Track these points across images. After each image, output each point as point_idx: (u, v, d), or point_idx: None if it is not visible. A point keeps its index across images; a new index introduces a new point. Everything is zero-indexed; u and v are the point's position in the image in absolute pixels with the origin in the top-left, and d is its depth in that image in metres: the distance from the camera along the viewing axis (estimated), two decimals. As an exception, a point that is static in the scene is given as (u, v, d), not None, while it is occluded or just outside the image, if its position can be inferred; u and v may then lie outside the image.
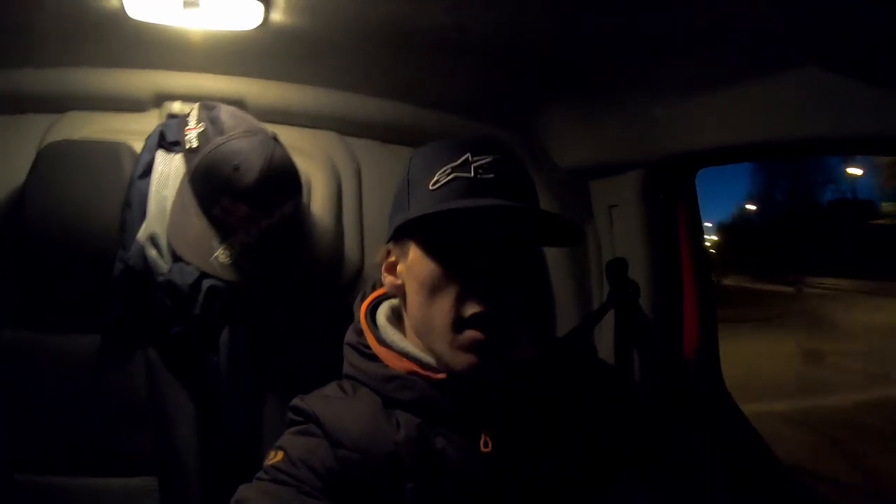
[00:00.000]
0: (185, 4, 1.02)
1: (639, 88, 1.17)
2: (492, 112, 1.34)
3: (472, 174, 0.74)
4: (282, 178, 1.11)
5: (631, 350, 1.32)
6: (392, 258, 0.81)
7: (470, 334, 0.73)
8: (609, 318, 1.33)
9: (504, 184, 0.75)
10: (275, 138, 1.12)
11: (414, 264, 0.77)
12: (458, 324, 0.73)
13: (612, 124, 1.28)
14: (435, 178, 0.75)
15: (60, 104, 1.22)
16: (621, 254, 1.34)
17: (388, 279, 0.82)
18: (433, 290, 0.74)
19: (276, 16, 1.05)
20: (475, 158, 0.75)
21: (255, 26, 1.06)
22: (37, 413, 1.07)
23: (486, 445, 0.76)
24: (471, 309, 0.73)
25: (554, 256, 1.40)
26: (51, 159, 1.11)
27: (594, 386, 0.86)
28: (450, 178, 0.74)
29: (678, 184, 1.32)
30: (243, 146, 1.08)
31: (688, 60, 1.03)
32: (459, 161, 0.75)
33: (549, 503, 0.78)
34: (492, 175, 0.75)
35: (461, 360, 0.74)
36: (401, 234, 0.78)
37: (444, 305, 0.74)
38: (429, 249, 0.75)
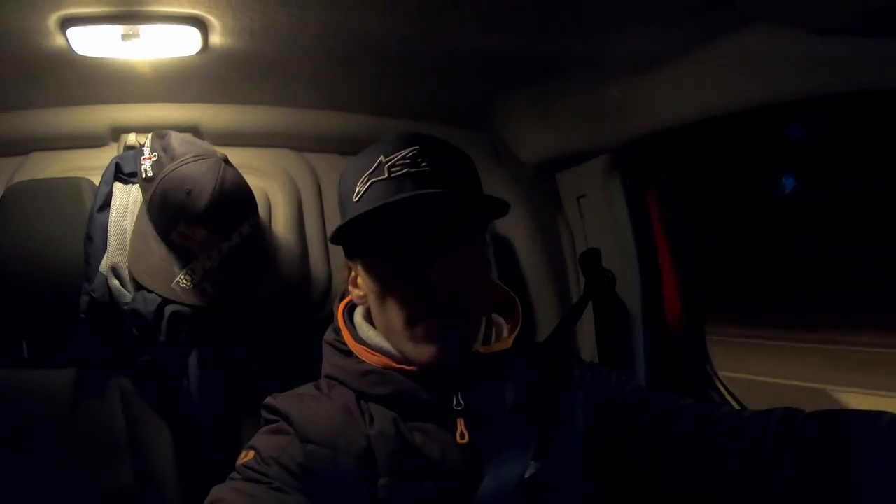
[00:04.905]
0: (124, 37, 1.04)
1: (589, 72, 1.16)
2: (448, 114, 1.33)
3: (386, 175, 0.75)
4: (235, 199, 1.12)
5: (613, 341, 1.30)
6: (353, 273, 0.84)
7: (423, 325, 0.75)
8: (589, 311, 1.31)
9: (418, 175, 0.75)
10: (225, 160, 1.13)
11: (363, 276, 0.80)
12: (411, 319, 0.75)
13: (569, 112, 1.26)
14: (356, 190, 0.77)
15: (24, 146, 1.26)
16: (594, 244, 1.32)
17: (354, 293, 0.84)
18: (383, 295, 0.77)
19: (216, 40, 1.06)
20: (388, 159, 0.76)
21: (195, 52, 1.08)
22: (16, 449, 1.08)
23: (462, 437, 0.76)
24: (418, 302, 0.75)
25: (528, 253, 1.39)
26: (14, 200, 1.13)
27: (574, 384, 0.85)
28: (367, 185, 0.76)
29: (645, 166, 1.29)
30: (194, 171, 1.09)
31: (634, 35, 1.01)
32: (374, 166, 0.76)
33: (525, 497, 0.76)
34: (405, 170, 0.75)
35: (423, 352, 0.76)
36: (347, 252, 0.82)
37: (395, 306, 0.76)
38: (368, 259, 0.79)
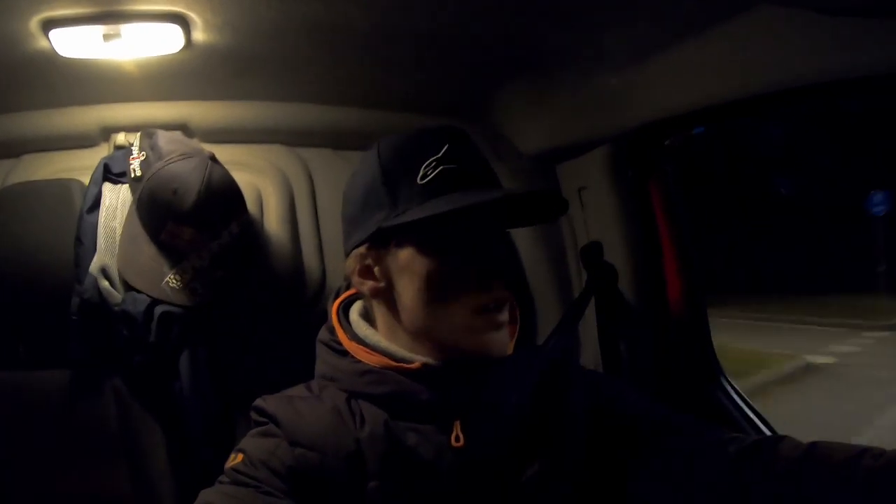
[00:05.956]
0: (106, 37, 1.03)
1: (589, 60, 1.11)
2: (444, 106, 1.30)
3: (458, 165, 0.75)
4: (222, 198, 1.10)
5: (616, 335, 1.26)
6: (368, 261, 0.78)
7: (494, 316, 0.75)
8: (592, 305, 1.27)
9: (486, 172, 0.78)
10: (212, 158, 1.11)
11: (412, 263, 0.75)
12: (482, 309, 0.74)
13: (568, 102, 1.21)
14: (421, 172, 0.74)
15: (16, 149, 1.26)
16: (595, 236, 1.28)
17: (366, 284, 0.79)
18: (443, 285, 0.74)
19: (198, 36, 1.04)
20: (455, 149, 0.76)
21: (179, 49, 1.06)
22: (11, 450, 1.09)
23: (457, 440, 0.74)
24: (490, 295, 0.75)
25: (528, 246, 1.35)
26: (5, 203, 1.14)
27: (572, 390, 0.83)
28: (438, 170, 0.74)
29: (647, 156, 1.24)
30: (180, 169, 1.08)
31: (634, 21, 0.97)
32: (442, 152, 0.75)
33: (521, 500, 0.76)
34: (476, 166, 0.77)
35: (486, 342, 0.75)
36: (388, 235, 0.76)
37: (459, 296, 0.74)
38: (430, 245, 0.74)
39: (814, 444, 0.71)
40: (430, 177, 0.73)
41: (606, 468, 0.80)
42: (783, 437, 0.75)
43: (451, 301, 0.74)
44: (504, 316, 0.76)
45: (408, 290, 0.76)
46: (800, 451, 0.71)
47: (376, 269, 0.78)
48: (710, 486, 0.75)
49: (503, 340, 0.76)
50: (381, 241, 0.77)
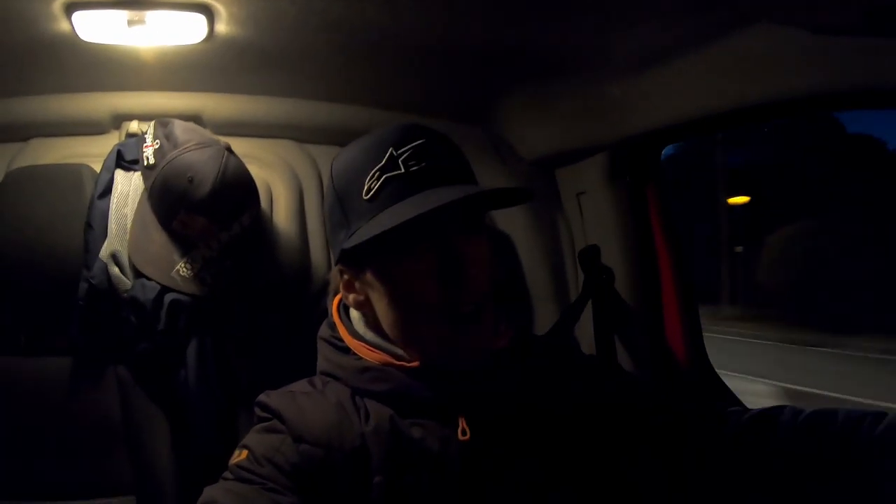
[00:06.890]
0: (130, 23, 1.04)
1: (591, 69, 1.16)
2: (448, 108, 1.33)
3: (403, 169, 0.71)
4: (236, 189, 1.11)
5: (612, 337, 1.30)
6: (346, 276, 0.78)
7: (460, 328, 0.72)
8: (588, 308, 1.31)
9: (437, 168, 0.72)
10: (228, 149, 1.12)
11: (378, 280, 0.74)
12: (446, 323, 0.72)
13: (569, 109, 1.26)
14: (366, 187, 0.71)
15: (24, 132, 1.25)
16: (593, 240, 1.32)
17: (350, 297, 0.79)
18: (411, 297, 0.73)
19: (221, 28, 1.06)
20: (399, 152, 0.71)
21: (200, 40, 1.07)
22: (12, 438, 1.07)
23: (463, 434, 0.74)
24: (458, 303, 0.71)
25: (527, 249, 1.39)
26: (13, 186, 1.13)
27: (575, 380, 0.84)
28: (381, 181, 0.71)
29: (645, 164, 1.30)
30: (196, 158, 1.09)
31: (636, 32, 1.02)
32: (384, 160, 0.71)
33: (526, 495, 0.76)
34: (423, 163, 0.71)
35: (456, 356, 0.74)
36: (348, 257, 0.75)
37: (429, 308, 0.72)
38: (390, 262, 0.73)
39: (814, 412, 0.74)
40: (373, 190, 0.71)
41: (610, 455, 0.81)
42: (783, 407, 0.77)
43: (420, 315, 0.73)
44: (482, 321, 0.73)
45: (380, 306, 0.76)
46: (801, 419, 0.73)
47: (356, 284, 0.78)
48: (714, 463, 0.77)
49: (483, 347, 0.75)
50: (348, 261, 0.77)
